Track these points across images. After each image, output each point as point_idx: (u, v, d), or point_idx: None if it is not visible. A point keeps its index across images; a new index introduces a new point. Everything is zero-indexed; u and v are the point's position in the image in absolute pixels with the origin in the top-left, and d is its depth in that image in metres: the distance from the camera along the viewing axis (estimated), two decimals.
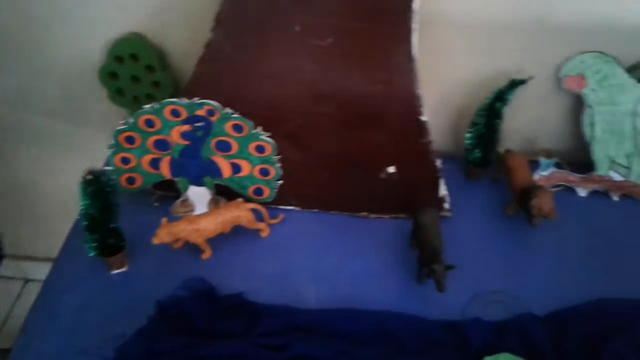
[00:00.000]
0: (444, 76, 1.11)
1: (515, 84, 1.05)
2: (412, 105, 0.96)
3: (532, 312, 0.94)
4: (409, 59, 0.92)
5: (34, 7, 1.08)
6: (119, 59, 1.11)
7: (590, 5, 0.99)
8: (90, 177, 0.88)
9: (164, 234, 0.96)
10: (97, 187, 0.89)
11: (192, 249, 1.02)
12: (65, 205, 1.19)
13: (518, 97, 1.09)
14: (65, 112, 1.27)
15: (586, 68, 1.05)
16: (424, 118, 0.98)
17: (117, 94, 1.16)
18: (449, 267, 0.92)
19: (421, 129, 0.99)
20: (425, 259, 0.94)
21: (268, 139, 1.01)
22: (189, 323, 0.91)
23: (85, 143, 1.26)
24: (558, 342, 0.91)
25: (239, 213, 1.01)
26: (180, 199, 1.09)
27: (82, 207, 0.91)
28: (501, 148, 1.15)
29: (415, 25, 0.89)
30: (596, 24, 1.02)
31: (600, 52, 1.04)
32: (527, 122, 1.18)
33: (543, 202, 1.00)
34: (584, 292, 0.97)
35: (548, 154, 1.15)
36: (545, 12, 1.00)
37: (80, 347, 0.87)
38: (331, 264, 1.02)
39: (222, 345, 0.87)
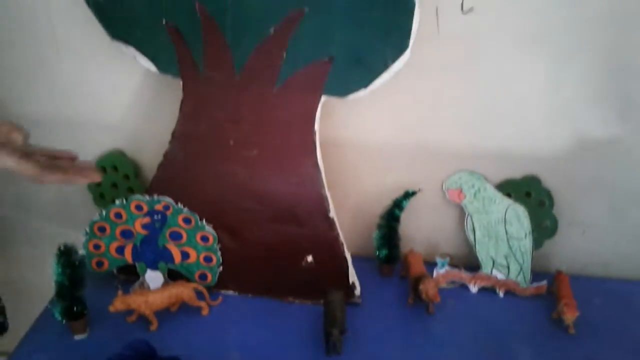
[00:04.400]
0: (355, 189, 1.40)
1: (408, 194, 1.34)
2: (320, 204, 1.24)
3: None
4: (316, 166, 1.21)
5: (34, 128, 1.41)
6: (103, 169, 1.42)
7: (461, 132, 1.31)
8: (63, 249, 1.14)
9: (119, 303, 1.19)
10: (67, 259, 1.15)
11: (143, 322, 1.23)
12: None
13: (417, 207, 1.38)
14: (58, 215, 1.55)
15: (463, 183, 1.34)
16: (331, 215, 1.25)
17: (100, 198, 1.45)
18: (343, 332, 1.14)
19: (330, 224, 1.26)
20: (326, 325, 1.15)
21: (211, 229, 1.28)
22: None
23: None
24: None
25: (183, 289, 1.24)
26: (139, 282, 1.32)
27: (55, 275, 1.15)
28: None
29: (317, 141, 1.20)
30: (467, 148, 1.33)
31: (472, 171, 1.34)
32: (428, 229, 1.44)
33: (428, 287, 1.24)
34: None
35: (444, 255, 1.40)
36: (426, 138, 1.32)
37: None
38: (257, 340, 1.22)
39: None
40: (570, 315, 1.23)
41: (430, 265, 1.38)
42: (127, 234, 1.29)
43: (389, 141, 1.33)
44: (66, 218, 1.55)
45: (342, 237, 1.28)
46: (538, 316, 1.31)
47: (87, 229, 1.29)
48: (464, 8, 1.13)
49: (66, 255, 1.15)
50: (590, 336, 1.25)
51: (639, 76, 1.20)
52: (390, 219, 1.35)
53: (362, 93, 1.14)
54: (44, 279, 1.62)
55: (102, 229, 1.29)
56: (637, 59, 1.18)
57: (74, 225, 1.53)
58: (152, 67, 1.20)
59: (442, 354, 1.20)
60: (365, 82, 1.13)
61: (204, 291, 1.29)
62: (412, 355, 1.20)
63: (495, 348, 1.22)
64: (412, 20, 1.05)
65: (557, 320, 1.27)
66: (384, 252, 1.38)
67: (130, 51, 1.18)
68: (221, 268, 1.31)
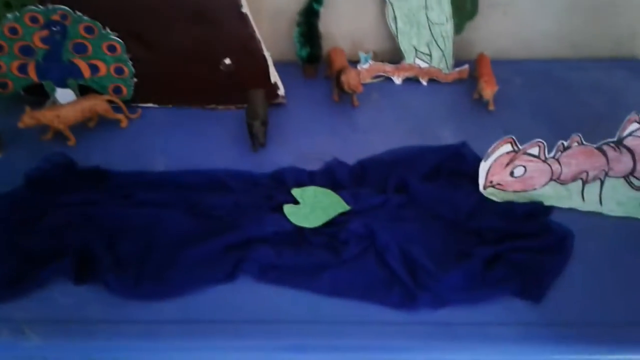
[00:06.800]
0: None
1: None
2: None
3: (340, 160, 1.15)
4: None
5: None
6: None
7: None
8: None
9: (27, 118, 1.13)
10: None
11: (60, 139, 1.19)
12: None
13: (338, 2, 1.32)
14: None
15: None
16: (244, 10, 1.19)
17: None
18: (265, 124, 1.13)
19: (244, 20, 1.20)
20: (247, 119, 1.14)
21: (117, 38, 1.20)
22: (53, 188, 1.08)
23: None
24: (358, 178, 1.12)
25: (96, 102, 1.19)
26: (50, 101, 1.26)
27: None
28: None
29: None
30: None
31: None
32: (349, 25, 1.41)
33: (350, 78, 1.22)
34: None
35: (367, 51, 1.37)
36: None
37: None
38: (181, 146, 1.20)
39: (77, 195, 1.04)
40: (489, 91, 1.24)
41: (355, 63, 1.35)
42: (27, 51, 1.20)
43: None
44: None
45: (258, 35, 1.23)
46: (461, 99, 1.33)
47: None
48: None
49: None
50: (509, 111, 1.29)
51: None
52: (309, 14, 1.30)
53: None
54: None
55: None
56: None
57: None
58: None
59: (368, 140, 1.21)
60: None
61: (121, 104, 1.24)
62: (338, 143, 1.20)
63: (419, 130, 1.24)
64: None
65: (479, 100, 1.29)
66: (305, 51, 1.34)
67: None
68: (135, 80, 1.25)
